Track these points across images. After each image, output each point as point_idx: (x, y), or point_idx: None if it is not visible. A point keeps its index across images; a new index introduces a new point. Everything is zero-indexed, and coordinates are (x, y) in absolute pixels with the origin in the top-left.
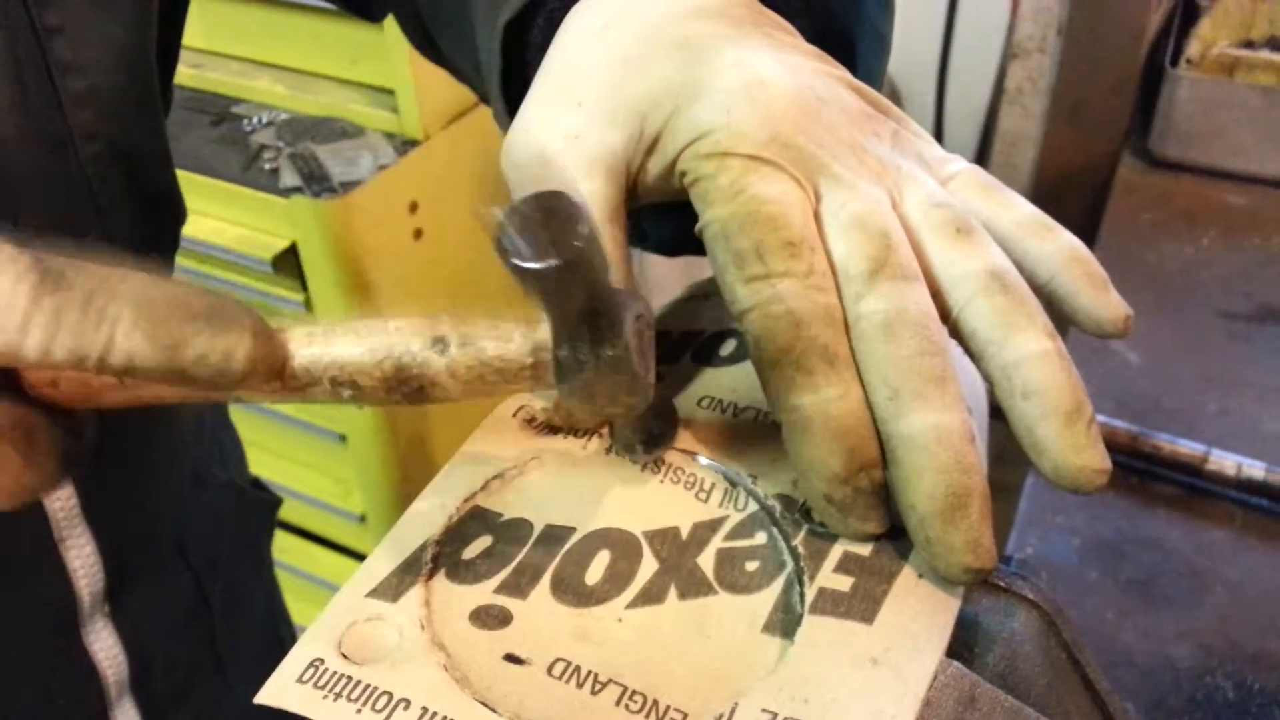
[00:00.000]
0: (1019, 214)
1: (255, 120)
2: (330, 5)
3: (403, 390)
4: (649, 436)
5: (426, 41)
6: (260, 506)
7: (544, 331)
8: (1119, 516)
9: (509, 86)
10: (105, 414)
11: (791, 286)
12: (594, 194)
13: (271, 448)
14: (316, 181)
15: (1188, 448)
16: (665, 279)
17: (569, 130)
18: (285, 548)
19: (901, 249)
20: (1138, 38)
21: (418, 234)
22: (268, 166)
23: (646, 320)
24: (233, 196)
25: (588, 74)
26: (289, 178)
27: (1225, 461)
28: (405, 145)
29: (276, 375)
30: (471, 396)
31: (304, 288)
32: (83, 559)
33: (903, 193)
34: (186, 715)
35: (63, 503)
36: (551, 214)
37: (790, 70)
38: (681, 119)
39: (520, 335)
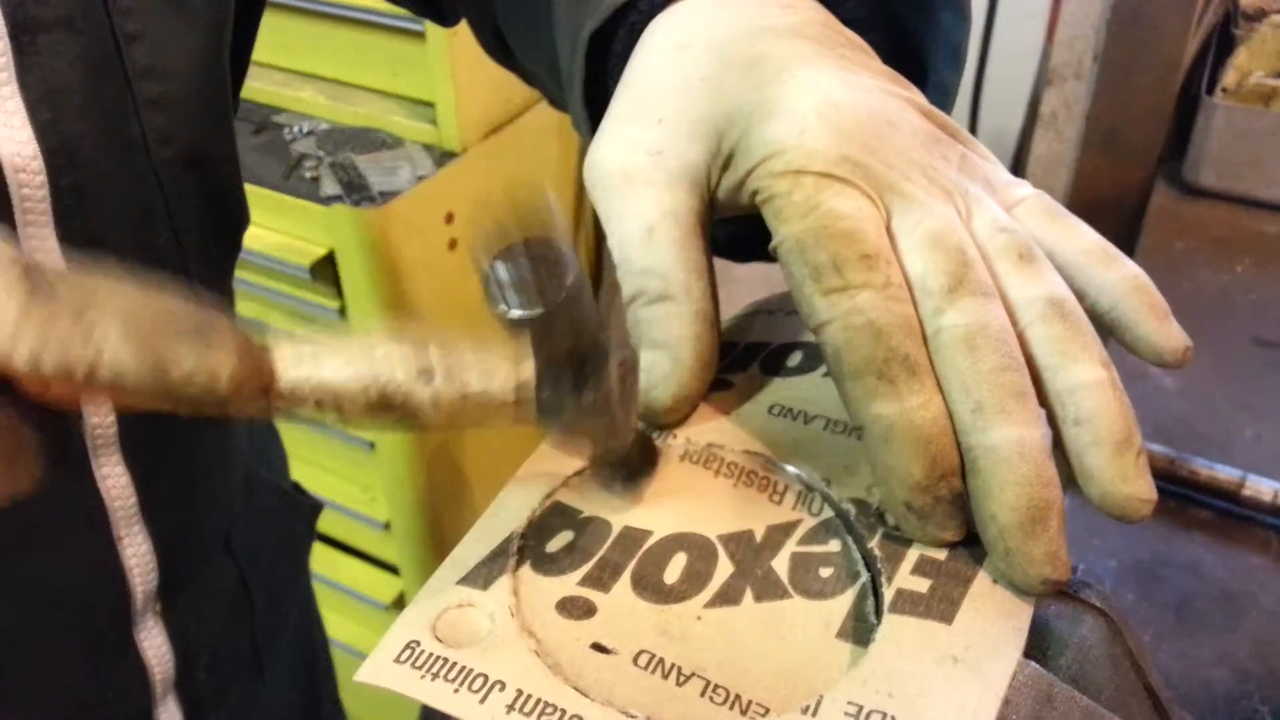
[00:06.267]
0: (1083, 242)
1: (296, 129)
2: (378, 18)
3: (386, 417)
4: (629, 473)
5: (498, 45)
6: (303, 510)
7: (528, 370)
8: (1156, 539)
9: (589, 94)
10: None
11: (871, 298)
12: (679, 207)
13: (299, 453)
14: (356, 191)
15: (1224, 473)
16: None
17: (651, 147)
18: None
19: (978, 266)
20: (1173, 66)
21: (452, 244)
22: (308, 175)
23: (630, 365)
24: (274, 204)
25: (667, 91)
26: (329, 186)
27: (1262, 487)
28: (443, 157)
29: (262, 394)
30: (451, 427)
31: (340, 295)
32: (139, 557)
33: (970, 215)
34: (226, 714)
35: (122, 502)
36: (540, 262)
37: (861, 93)
38: (754, 137)
39: (505, 372)
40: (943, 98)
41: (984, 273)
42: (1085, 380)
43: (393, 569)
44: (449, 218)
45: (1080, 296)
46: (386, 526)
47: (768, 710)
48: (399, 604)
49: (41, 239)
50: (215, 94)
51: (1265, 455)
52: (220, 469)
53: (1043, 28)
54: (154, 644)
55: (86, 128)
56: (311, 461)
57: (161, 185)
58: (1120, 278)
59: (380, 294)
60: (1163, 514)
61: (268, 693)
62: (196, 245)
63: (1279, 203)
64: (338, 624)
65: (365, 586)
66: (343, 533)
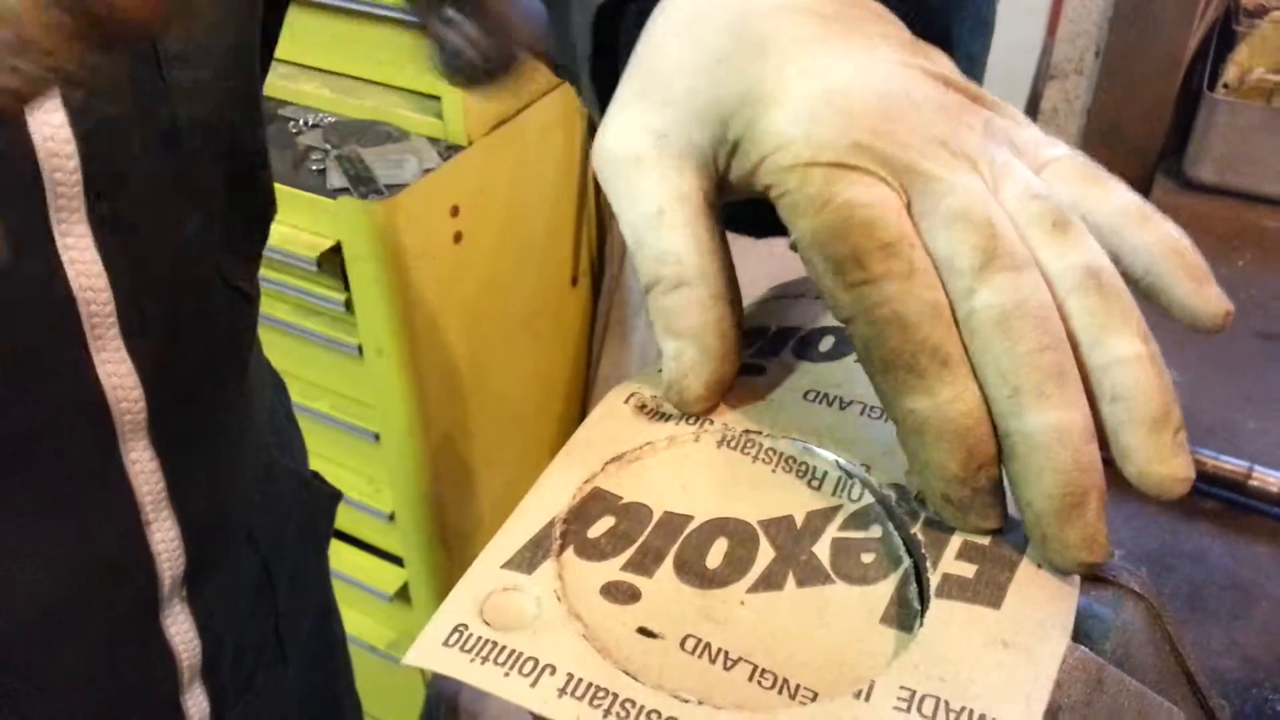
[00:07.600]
0: (1119, 202)
1: (302, 122)
2: (384, 11)
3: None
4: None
5: None
6: (322, 499)
7: None
8: (1162, 529)
9: (601, 71)
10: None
11: (895, 288)
12: (685, 189)
13: (306, 444)
14: (362, 183)
15: (1230, 464)
16: None
17: (658, 129)
18: None
19: (1008, 237)
20: (1175, 62)
21: (458, 237)
22: (315, 168)
23: None
24: (280, 196)
25: (675, 72)
26: (335, 179)
27: (1269, 478)
28: (449, 150)
29: None
30: None
31: (346, 287)
32: (166, 543)
33: (998, 185)
34: (250, 702)
35: (150, 488)
36: None
37: (872, 74)
38: (759, 127)
39: None
40: (970, 68)
41: (1016, 244)
42: (1122, 355)
43: (397, 560)
44: (454, 211)
45: (1115, 260)
46: (391, 518)
47: (816, 695)
48: (403, 595)
49: (71, 224)
50: (245, 84)
51: (1269, 447)
52: (244, 459)
53: (1044, 22)
54: (180, 630)
55: (118, 113)
56: (316, 452)
57: (190, 173)
58: (1156, 239)
59: (386, 285)
60: (1170, 504)
61: (291, 680)
62: (225, 233)
63: None
64: (342, 614)
65: (369, 577)
66: (347, 524)
